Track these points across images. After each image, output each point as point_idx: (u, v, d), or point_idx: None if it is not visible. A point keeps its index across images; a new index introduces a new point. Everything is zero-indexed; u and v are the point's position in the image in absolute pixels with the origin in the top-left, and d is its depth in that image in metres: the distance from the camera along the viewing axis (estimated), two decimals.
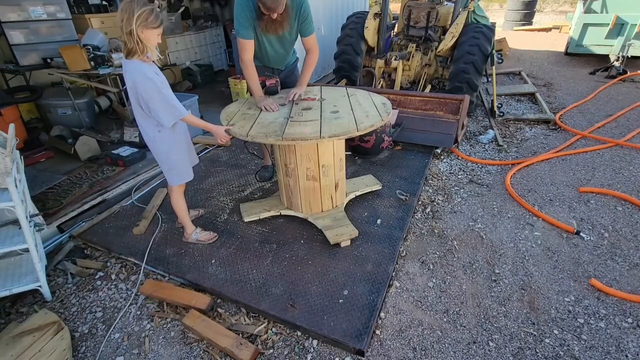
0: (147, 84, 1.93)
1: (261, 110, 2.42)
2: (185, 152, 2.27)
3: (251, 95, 2.61)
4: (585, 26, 6.53)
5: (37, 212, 2.33)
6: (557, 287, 2.14)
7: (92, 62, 3.72)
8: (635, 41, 5.96)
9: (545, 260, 2.33)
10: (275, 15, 2.27)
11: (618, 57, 6.03)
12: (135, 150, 3.66)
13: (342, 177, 2.64)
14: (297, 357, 1.81)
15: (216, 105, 4.95)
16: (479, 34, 4.24)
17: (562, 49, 7.51)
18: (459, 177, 3.32)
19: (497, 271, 2.27)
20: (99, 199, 3.02)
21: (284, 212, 2.71)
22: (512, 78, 6.17)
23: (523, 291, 2.12)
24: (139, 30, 1.85)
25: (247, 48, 2.44)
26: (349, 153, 3.60)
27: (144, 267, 2.36)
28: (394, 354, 1.80)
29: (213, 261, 2.36)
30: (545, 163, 3.48)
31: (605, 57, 6.45)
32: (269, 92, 2.63)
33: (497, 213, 2.80)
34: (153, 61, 2.03)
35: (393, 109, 3.81)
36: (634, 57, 6.16)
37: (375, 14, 4.79)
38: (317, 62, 2.71)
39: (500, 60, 6.83)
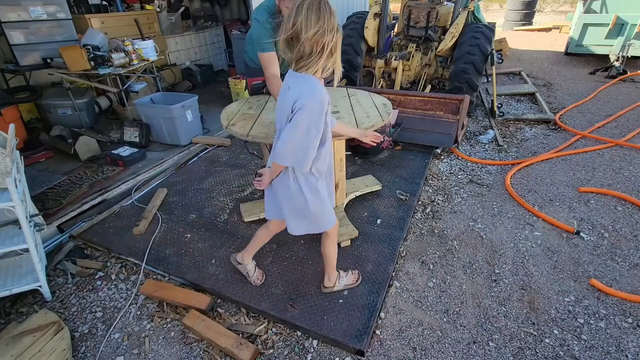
0: (310, 107, 1.42)
1: (261, 110, 2.42)
2: (325, 198, 1.79)
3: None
4: (585, 26, 6.54)
5: (37, 212, 2.33)
6: (557, 287, 2.14)
7: (92, 62, 3.72)
8: (635, 41, 5.96)
9: (545, 260, 2.33)
10: None
11: (618, 57, 6.03)
12: (135, 150, 3.66)
13: (342, 177, 2.64)
14: (297, 357, 1.81)
15: (216, 105, 4.95)
16: (479, 34, 4.25)
17: (562, 49, 7.51)
18: (459, 177, 3.32)
19: (497, 271, 2.27)
20: (99, 199, 3.02)
21: None
22: (512, 78, 6.17)
23: (523, 291, 2.12)
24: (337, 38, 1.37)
25: (273, 60, 2.30)
26: (349, 153, 3.60)
27: (144, 267, 2.36)
28: (394, 354, 1.80)
29: (213, 261, 2.36)
30: (545, 163, 3.48)
31: (605, 57, 6.46)
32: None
33: (497, 213, 2.80)
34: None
35: (393, 109, 3.81)
36: (634, 57, 6.16)
37: (375, 14, 4.79)
38: None
39: (500, 60, 6.84)
